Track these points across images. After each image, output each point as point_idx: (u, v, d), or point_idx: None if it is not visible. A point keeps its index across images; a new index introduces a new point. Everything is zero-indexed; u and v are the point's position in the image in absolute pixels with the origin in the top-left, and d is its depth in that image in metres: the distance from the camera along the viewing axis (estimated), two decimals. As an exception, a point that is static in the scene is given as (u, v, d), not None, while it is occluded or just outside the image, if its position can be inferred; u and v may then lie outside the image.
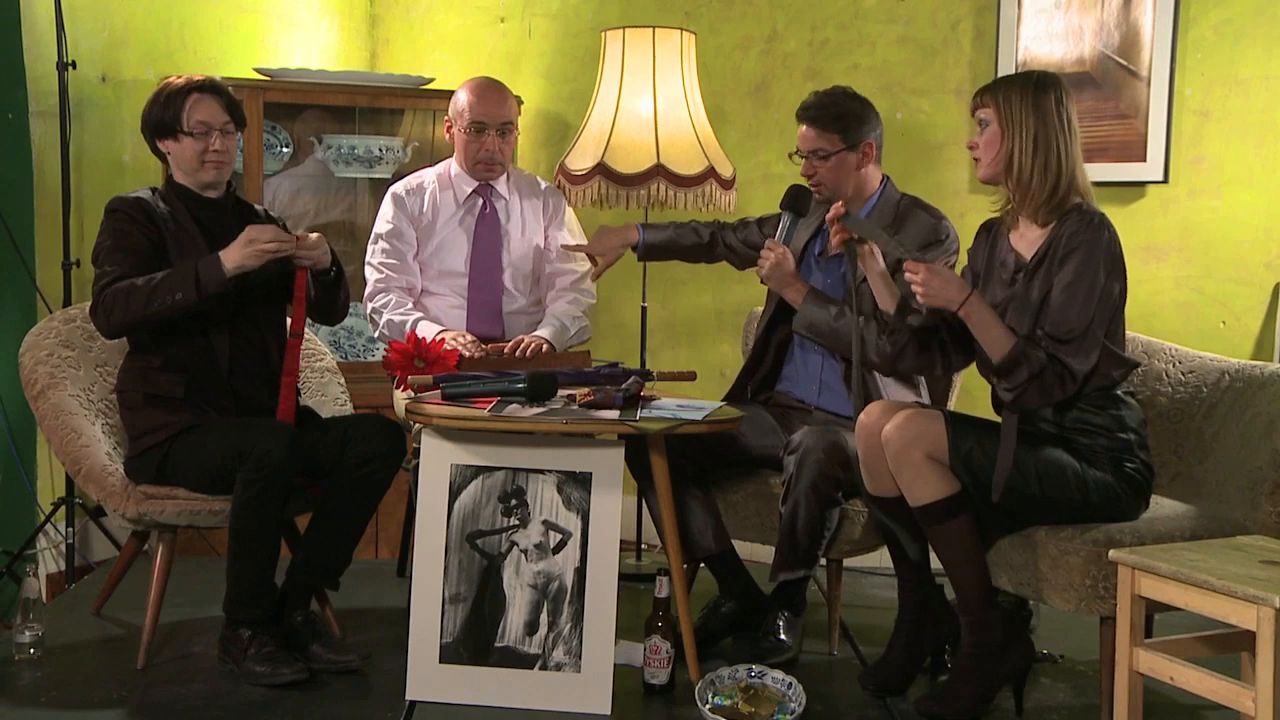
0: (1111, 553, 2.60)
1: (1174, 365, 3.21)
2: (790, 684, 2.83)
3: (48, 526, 3.93)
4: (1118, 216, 3.82)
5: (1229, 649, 2.64)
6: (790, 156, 3.34)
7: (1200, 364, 3.18)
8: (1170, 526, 2.80)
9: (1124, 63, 3.82)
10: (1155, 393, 3.19)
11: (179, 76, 3.22)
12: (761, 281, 3.31)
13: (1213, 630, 2.59)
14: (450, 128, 3.77)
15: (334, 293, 3.24)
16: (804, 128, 3.28)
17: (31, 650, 3.12)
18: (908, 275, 2.81)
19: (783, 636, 3.15)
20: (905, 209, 3.28)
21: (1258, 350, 3.71)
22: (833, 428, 3.15)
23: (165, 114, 3.13)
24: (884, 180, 3.34)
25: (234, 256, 3.00)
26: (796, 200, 3.33)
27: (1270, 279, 3.71)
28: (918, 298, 2.82)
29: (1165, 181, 3.82)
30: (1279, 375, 2.96)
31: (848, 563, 3.41)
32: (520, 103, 4.23)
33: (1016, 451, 2.75)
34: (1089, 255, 2.77)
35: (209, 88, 3.16)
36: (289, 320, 3.24)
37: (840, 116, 3.24)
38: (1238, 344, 3.72)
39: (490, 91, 3.72)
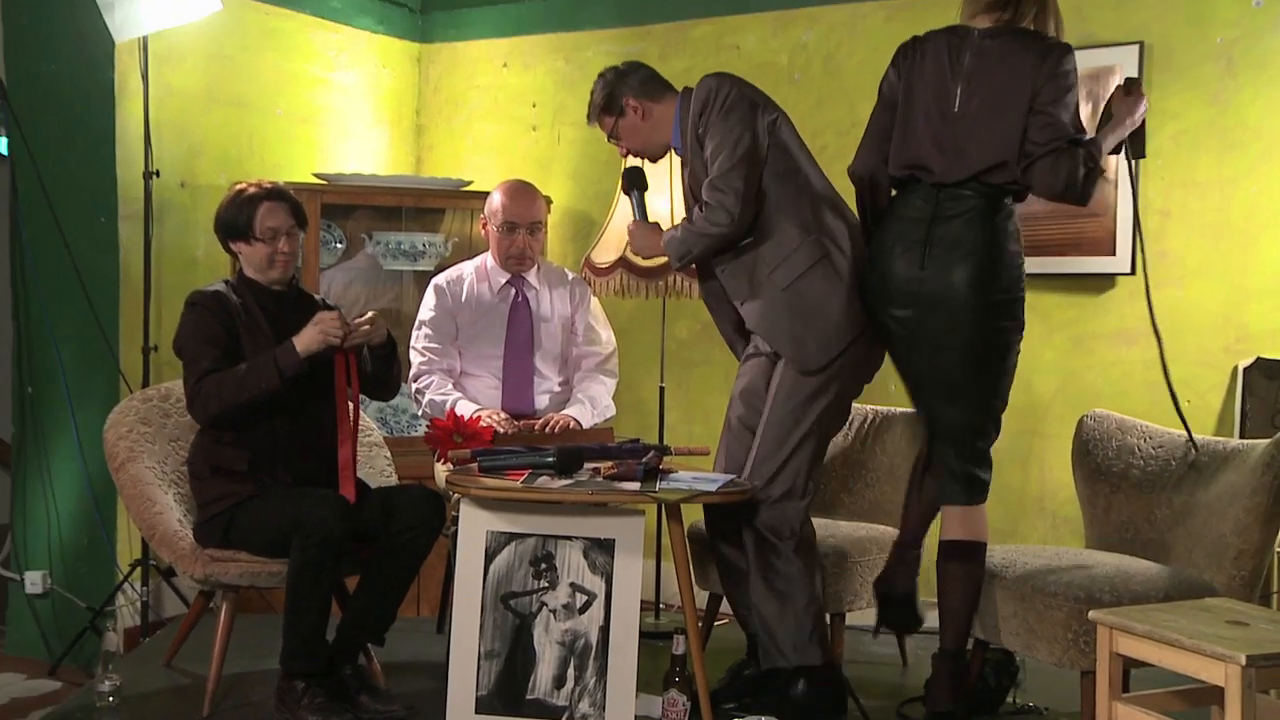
0: (1091, 613, 2.59)
1: (1145, 440, 3.22)
2: (797, 736, 2.80)
3: (126, 586, 3.95)
4: (1092, 304, 3.87)
5: (1200, 703, 2.61)
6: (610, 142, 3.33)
7: (1169, 439, 3.18)
8: (1145, 588, 2.78)
9: (1093, 167, 3.86)
10: (1129, 465, 3.19)
11: (250, 183, 3.25)
12: (635, 254, 3.36)
13: (1184, 685, 2.57)
14: (485, 225, 3.79)
15: (388, 365, 3.25)
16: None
17: (110, 699, 3.09)
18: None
19: None
20: (695, 105, 3.08)
21: (1220, 426, 3.69)
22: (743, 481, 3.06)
23: (239, 219, 3.16)
24: (676, 107, 3.14)
25: (305, 340, 3.04)
26: (634, 180, 3.29)
27: (1229, 361, 3.70)
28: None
29: (1133, 273, 3.82)
30: (1240, 450, 2.97)
31: (850, 620, 3.40)
32: (550, 202, 4.28)
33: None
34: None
35: (277, 195, 3.20)
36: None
37: (596, 102, 3.21)
38: (1202, 421, 3.69)
39: (521, 194, 3.74)
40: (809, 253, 3.00)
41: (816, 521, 3.41)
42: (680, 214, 3.87)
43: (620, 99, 3.18)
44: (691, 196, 3.15)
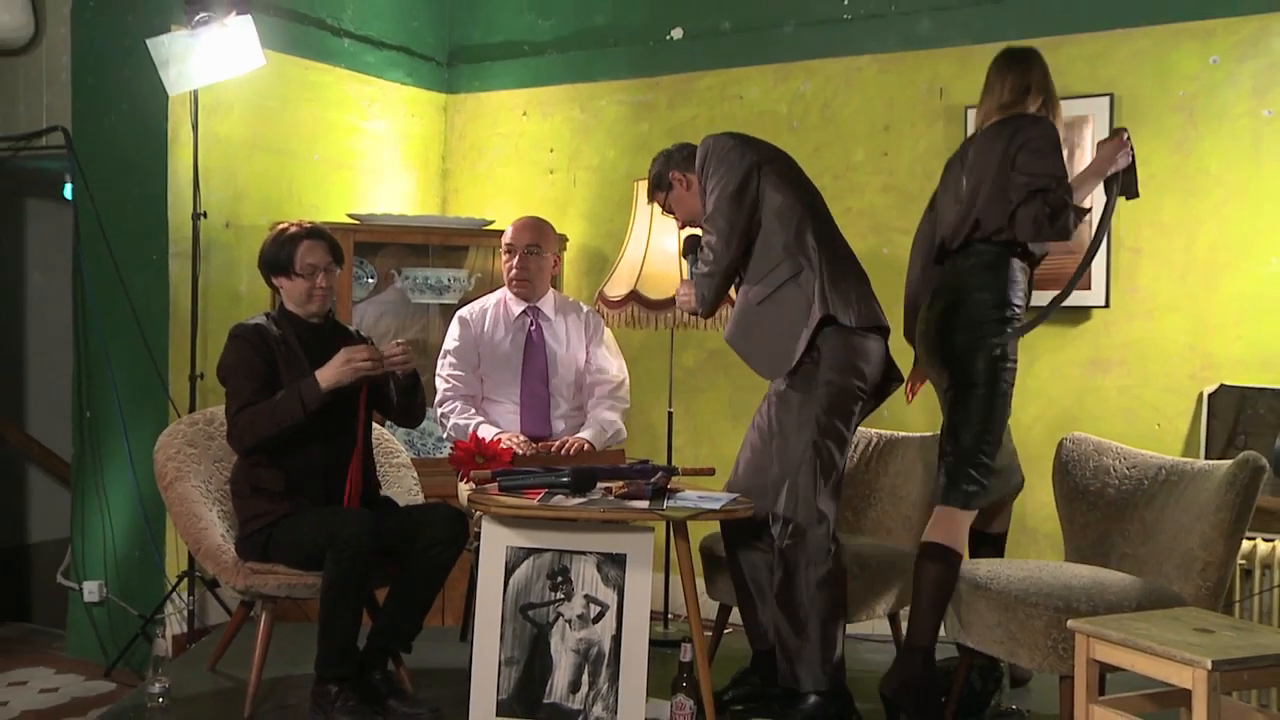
0: (1070, 622, 2.60)
1: (1120, 461, 3.22)
2: (794, 736, 2.81)
3: (174, 595, 3.97)
4: (1069, 335, 3.89)
5: (1170, 705, 2.62)
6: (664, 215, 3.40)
7: (1142, 460, 3.18)
8: (1119, 598, 2.79)
9: (1069, 208, 3.88)
10: (1105, 484, 3.19)
11: (291, 223, 3.27)
12: (680, 308, 3.38)
13: (1156, 689, 2.58)
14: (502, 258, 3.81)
15: (412, 396, 3.26)
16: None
17: (160, 699, 3.14)
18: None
19: None
20: (704, 179, 3.18)
21: (1187, 448, 3.70)
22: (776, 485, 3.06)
23: (280, 255, 3.19)
24: None
25: (329, 375, 3.05)
26: (690, 246, 3.31)
27: (1195, 388, 3.71)
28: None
29: (1107, 306, 3.85)
30: (1206, 470, 2.98)
31: (849, 630, 3.39)
32: (565, 240, 4.30)
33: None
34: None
35: (316, 234, 3.22)
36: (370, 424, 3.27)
37: (650, 183, 3.31)
38: (1170, 443, 3.71)
39: (523, 223, 3.77)
40: (784, 270, 3.03)
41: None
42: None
43: (667, 175, 3.26)
44: None
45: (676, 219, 3.35)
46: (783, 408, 3.04)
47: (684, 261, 3.38)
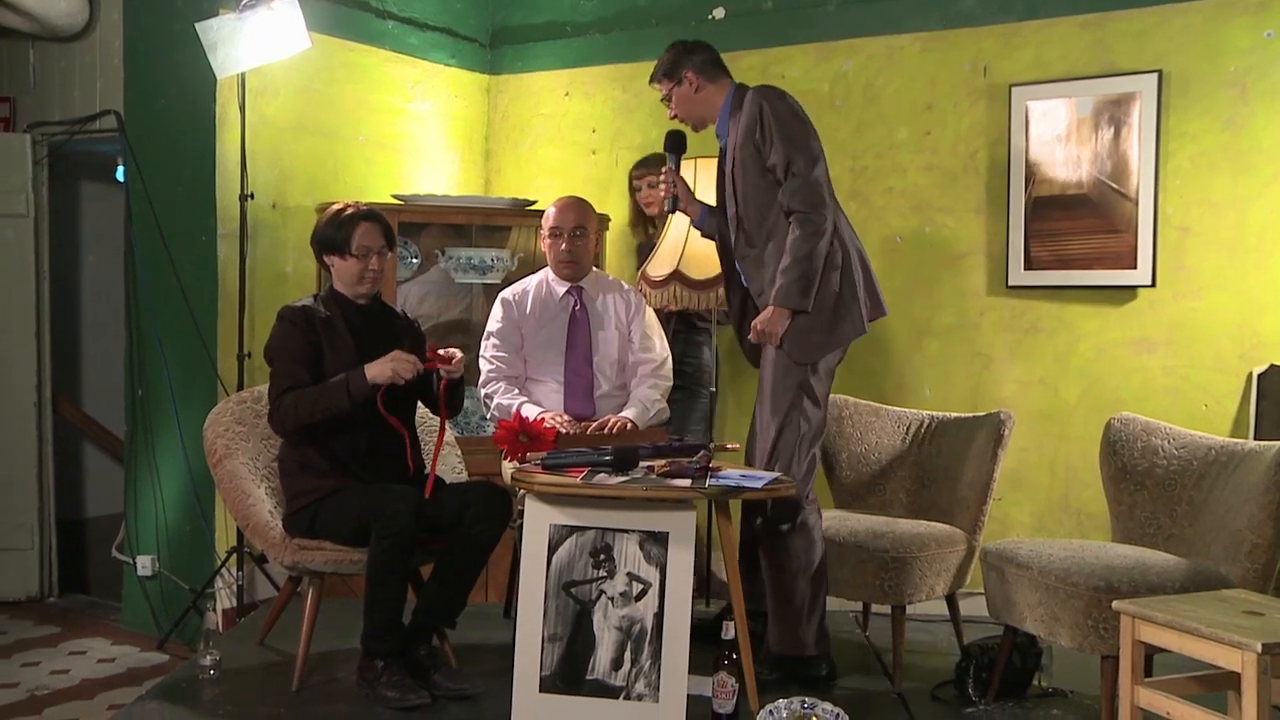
0: (1115, 603, 2.57)
1: (1169, 442, 3.17)
2: (838, 715, 2.78)
3: (223, 570, 4.01)
4: (1114, 315, 3.83)
5: (1217, 688, 2.58)
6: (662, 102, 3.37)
7: (1191, 441, 3.14)
8: (1161, 579, 2.75)
9: (1116, 186, 3.81)
10: (1153, 465, 3.15)
11: (347, 204, 3.25)
12: (760, 335, 3.20)
13: (1203, 671, 2.54)
14: (545, 239, 3.78)
15: (453, 393, 3.25)
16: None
17: (211, 671, 3.18)
18: None
19: None
20: (748, 114, 3.17)
21: (1235, 429, 3.63)
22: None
23: (337, 235, 3.17)
24: (728, 96, 3.27)
25: (376, 372, 3.05)
26: (674, 143, 3.38)
27: (1244, 368, 3.64)
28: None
29: (1153, 286, 3.78)
30: (1256, 451, 2.93)
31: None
32: (608, 220, 4.27)
33: None
34: None
35: (372, 216, 3.21)
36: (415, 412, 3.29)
37: (662, 65, 3.30)
38: (1218, 424, 3.64)
39: (565, 205, 3.74)
40: (831, 258, 3.10)
41: (876, 519, 3.38)
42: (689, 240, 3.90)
43: (682, 70, 3.27)
44: (730, 185, 3.26)
45: (670, 110, 3.35)
46: (775, 371, 3.14)
47: (667, 155, 3.42)
